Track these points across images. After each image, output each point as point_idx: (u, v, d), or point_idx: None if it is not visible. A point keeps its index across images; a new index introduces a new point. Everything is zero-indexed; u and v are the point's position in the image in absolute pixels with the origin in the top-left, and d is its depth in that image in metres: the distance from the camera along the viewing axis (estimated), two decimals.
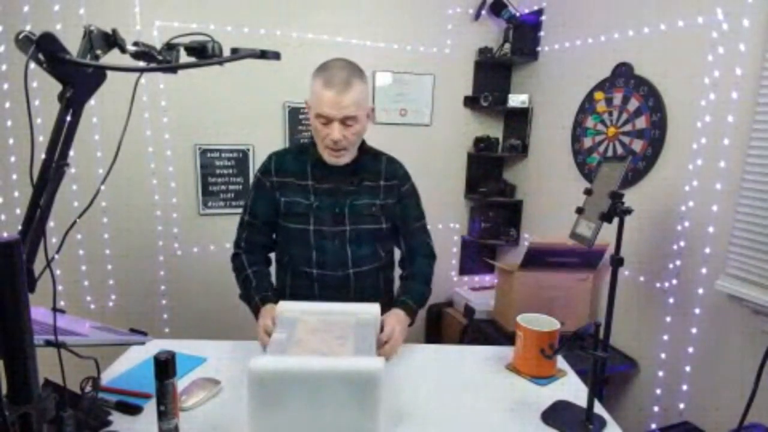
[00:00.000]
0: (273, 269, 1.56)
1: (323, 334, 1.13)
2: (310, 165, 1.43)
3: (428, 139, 2.95)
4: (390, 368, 1.15)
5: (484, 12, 2.84)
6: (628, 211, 1.49)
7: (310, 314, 1.23)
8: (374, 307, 1.26)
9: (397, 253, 1.60)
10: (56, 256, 0.78)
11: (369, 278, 1.48)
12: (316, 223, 1.41)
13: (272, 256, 1.56)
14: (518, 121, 2.95)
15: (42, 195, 0.74)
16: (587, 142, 2.40)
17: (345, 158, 1.38)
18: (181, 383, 1.05)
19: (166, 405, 0.91)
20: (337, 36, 2.65)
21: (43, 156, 0.75)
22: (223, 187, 2.62)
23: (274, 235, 1.52)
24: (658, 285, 2.02)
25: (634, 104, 2.11)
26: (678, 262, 1.93)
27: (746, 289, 1.64)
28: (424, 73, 2.86)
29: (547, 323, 1.28)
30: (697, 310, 1.86)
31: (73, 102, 0.76)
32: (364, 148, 1.46)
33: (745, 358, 1.69)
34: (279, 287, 1.53)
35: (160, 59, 0.88)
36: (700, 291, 1.84)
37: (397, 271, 1.60)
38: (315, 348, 1.07)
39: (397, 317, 1.35)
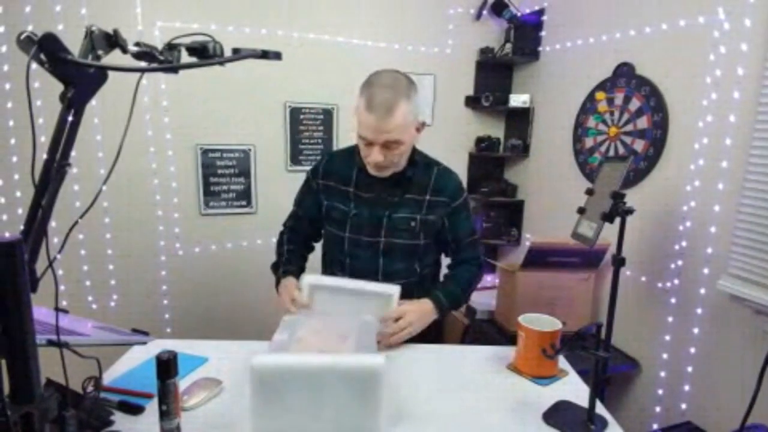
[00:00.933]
0: (318, 257, 1.61)
1: (325, 334, 1.13)
2: (356, 171, 1.40)
3: (429, 139, 2.91)
4: (391, 367, 1.15)
5: (485, 12, 2.84)
6: (630, 211, 1.48)
7: (327, 291, 1.29)
8: (394, 288, 1.27)
9: (444, 261, 1.58)
10: (58, 256, 0.78)
11: (402, 292, 1.39)
12: (352, 231, 1.40)
13: (318, 245, 1.61)
14: (519, 121, 2.95)
15: (44, 195, 0.74)
16: (589, 142, 2.39)
17: (388, 173, 1.34)
18: (182, 383, 1.05)
19: (168, 405, 0.91)
20: (338, 36, 2.65)
21: (44, 156, 0.76)
22: (225, 187, 2.62)
23: (318, 230, 1.56)
24: (659, 285, 2.02)
25: (635, 104, 2.11)
26: (680, 262, 1.93)
27: (748, 289, 1.64)
28: (425, 73, 2.86)
29: (549, 323, 1.27)
30: (699, 311, 1.85)
31: (74, 102, 0.76)
32: (414, 158, 1.40)
33: (747, 358, 1.69)
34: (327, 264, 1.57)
35: (161, 59, 0.88)
36: (702, 291, 1.84)
37: None
38: (315, 346, 1.07)
39: (418, 304, 1.32)
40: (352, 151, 1.44)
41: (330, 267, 1.52)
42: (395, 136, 1.24)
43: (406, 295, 1.39)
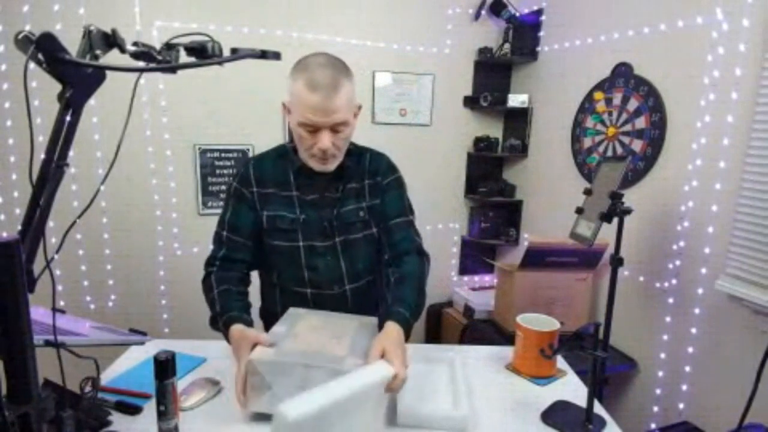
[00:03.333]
0: (256, 288, 1.41)
1: (321, 332, 1.13)
2: (292, 173, 1.28)
3: (428, 139, 2.95)
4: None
5: (483, 12, 2.84)
6: (628, 211, 1.49)
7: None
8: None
9: None
10: (56, 256, 0.78)
11: (367, 293, 1.36)
12: (306, 238, 1.28)
13: (254, 273, 1.39)
14: (518, 121, 2.95)
15: (42, 195, 0.74)
16: (587, 142, 2.40)
17: (334, 165, 1.24)
18: (180, 383, 1.05)
19: (166, 405, 0.91)
20: (337, 36, 2.65)
21: (42, 156, 0.75)
22: (223, 187, 2.62)
23: (255, 253, 1.33)
24: (657, 285, 2.02)
25: (633, 104, 2.12)
26: (678, 262, 1.93)
27: (746, 289, 1.64)
28: (424, 73, 2.86)
29: (547, 323, 1.28)
30: (696, 310, 1.86)
31: (72, 102, 0.76)
32: (349, 148, 1.30)
33: (745, 358, 1.69)
34: (269, 308, 1.39)
35: (159, 59, 0.88)
36: (700, 291, 1.84)
37: None
38: (309, 342, 1.06)
39: (391, 342, 1.03)
40: (283, 153, 1.32)
41: (283, 288, 1.34)
42: (342, 116, 1.15)
43: (370, 293, 1.37)
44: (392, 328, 1.08)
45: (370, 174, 1.33)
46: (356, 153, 1.34)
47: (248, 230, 1.30)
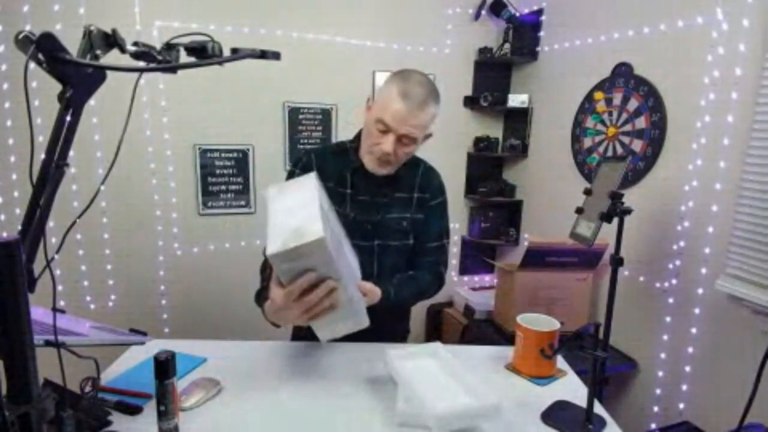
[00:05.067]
0: None
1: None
2: (350, 171, 1.34)
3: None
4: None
5: (483, 12, 2.84)
6: (628, 211, 1.49)
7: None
8: None
9: None
10: (56, 256, 0.78)
11: None
12: (349, 235, 1.29)
13: None
14: (518, 121, 2.95)
15: (42, 195, 0.74)
16: (587, 142, 2.40)
17: (389, 170, 1.31)
18: (180, 383, 1.04)
19: (166, 405, 0.91)
20: (337, 36, 2.65)
21: (42, 156, 0.75)
22: (223, 187, 2.62)
23: None
24: (657, 285, 2.02)
25: (633, 104, 2.12)
26: (678, 262, 1.93)
27: (746, 289, 1.64)
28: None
29: (547, 323, 1.28)
30: (696, 310, 1.86)
31: (72, 102, 0.76)
32: None
33: (745, 358, 1.69)
34: None
35: (159, 59, 0.88)
36: (700, 291, 1.84)
37: None
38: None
39: (371, 287, 1.16)
40: (341, 151, 1.38)
41: None
42: (416, 132, 1.23)
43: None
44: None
45: (420, 188, 1.40)
46: (411, 162, 1.39)
47: None
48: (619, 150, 2.21)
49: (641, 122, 2.08)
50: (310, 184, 1.06)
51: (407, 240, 1.38)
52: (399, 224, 1.36)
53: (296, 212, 0.96)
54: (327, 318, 1.03)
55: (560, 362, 1.33)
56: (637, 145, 2.10)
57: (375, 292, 1.18)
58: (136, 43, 0.87)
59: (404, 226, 1.37)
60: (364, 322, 1.10)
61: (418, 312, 3.13)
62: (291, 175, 1.38)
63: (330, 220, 1.04)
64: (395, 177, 1.35)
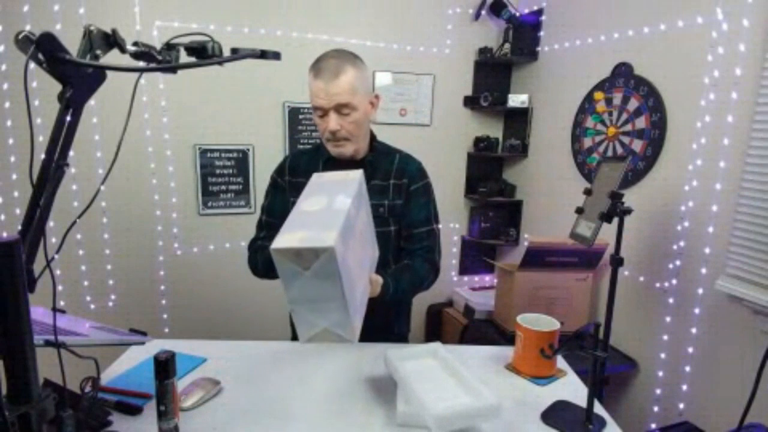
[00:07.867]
0: None
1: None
2: (321, 164, 1.39)
3: (428, 139, 2.95)
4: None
5: (483, 12, 2.84)
6: (628, 211, 1.49)
7: None
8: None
9: None
10: (56, 256, 0.78)
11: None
12: None
13: None
14: (518, 121, 2.95)
15: (42, 195, 0.74)
16: (587, 142, 2.40)
17: (348, 149, 1.32)
18: (180, 383, 1.05)
19: (166, 405, 0.91)
20: (337, 36, 2.65)
21: (42, 156, 0.75)
22: (223, 187, 2.62)
23: None
24: (657, 285, 2.02)
25: (633, 104, 2.12)
26: (678, 262, 1.93)
27: (746, 289, 1.64)
28: (424, 73, 2.86)
29: (547, 323, 1.28)
30: (696, 310, 1.86)
31: (72, 102, 0.76)
32: (374, 145, 1.42)
33: (745, 358, 1.69)
34: None
35: (159, 59, 0.88)
36: (700, 291, 1.84)
37: None
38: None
39: (375, 279, 1.19)
40: (317, 147, 1.44)
41: None
42: (345, 98, 1.25)
43: None
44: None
45: (396, 174, 1.40)
46: (384, 152, 1.43)
47: (281, 214, 1.35)
48: (619, 150, 2.21)
49: (641, 122, 2.08)
50: (352, 183, 1.07)
51: (387, 227, 1.39)
52: (376, 211, 1.34)
53: (320, 213, 0.95)
54: (313, 314, 0.95)
55: (560, 362, 1.33)
56: (637, 145, 2.10)
57: (377, 281, 1.20)
58: (136, 43, 0.87)
59: (381, 212, 1.37)
60: (352, 337, 1.00)
61: (418, 312, 3.13)
62: (273, 181, 1.46)
63: (359, 217, 1.03)
64: (371, 165, 1.38)
